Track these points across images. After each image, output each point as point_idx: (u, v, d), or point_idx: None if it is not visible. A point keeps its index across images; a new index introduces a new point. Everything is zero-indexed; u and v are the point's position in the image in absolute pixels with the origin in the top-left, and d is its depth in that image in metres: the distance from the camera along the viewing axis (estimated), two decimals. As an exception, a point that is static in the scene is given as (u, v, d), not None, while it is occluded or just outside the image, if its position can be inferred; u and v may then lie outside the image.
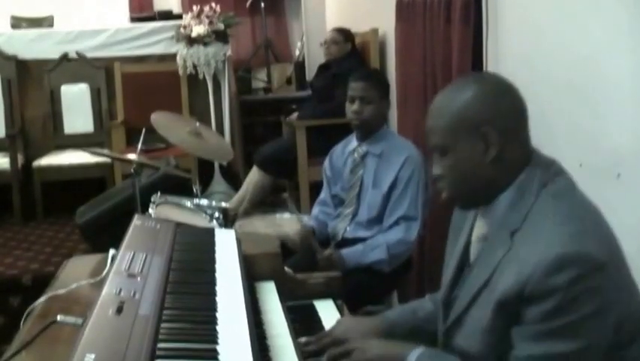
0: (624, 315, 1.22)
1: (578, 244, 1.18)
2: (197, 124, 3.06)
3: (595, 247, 1.18)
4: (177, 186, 3.14)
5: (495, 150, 1.26)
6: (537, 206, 1.24)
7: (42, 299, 1.48)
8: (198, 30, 4.85)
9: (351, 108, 2.57)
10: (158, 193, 2.82)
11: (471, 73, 1.33)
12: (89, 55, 4.98)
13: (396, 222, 2.51)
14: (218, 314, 1.29)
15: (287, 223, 2.96)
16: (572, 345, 1.17)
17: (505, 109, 1.27)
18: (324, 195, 2.81)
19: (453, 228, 1.51)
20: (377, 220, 2.57)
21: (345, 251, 2.48)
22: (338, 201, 2.73)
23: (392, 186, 2.52)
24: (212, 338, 1.18)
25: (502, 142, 1.25)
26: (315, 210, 2.81)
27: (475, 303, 1.30)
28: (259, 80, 6.41)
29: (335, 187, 2.75)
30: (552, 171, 1.29)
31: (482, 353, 1.28)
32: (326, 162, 2.82)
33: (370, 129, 2.60)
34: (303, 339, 1.49)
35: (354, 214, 2.62)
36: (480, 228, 1.36)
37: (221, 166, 4.96)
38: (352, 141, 2.70)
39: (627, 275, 1.27)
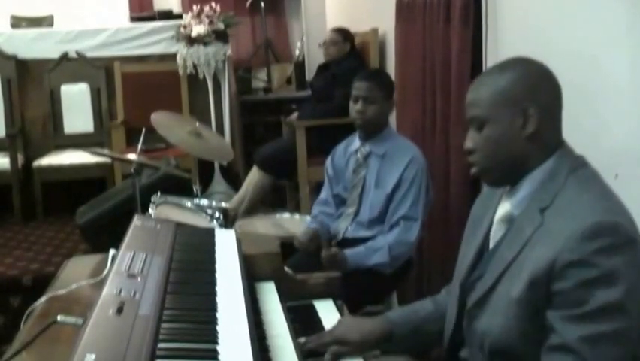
0: None
1: (612, 215, 1.21)
2: (197, 124, 3.06)
3: (628, 223, 1.22)
4: (177, 186, 3.15)
5: (533, 126, 1.30)
6: (567, 186, 1.28)
7: (42, 299, 1.48)
8: (198, 30, 4.85)
9: (354, 108, 2.57)
10: (159, 193, 2.83)
11: (516, 56, 1.40)
12: (89, 54, 4.98)
13: (397, 223, 2.51)
14: (218, 314, 1.29)
15: (287, 223, 2.97)
16: (618, 323, 1.17)
17: (547, 91, 1.33)
18: (324, 194, 2.81)
19: (472, 218, 1.53)
20: (378, 220, 2.57)
21: (349, 252, 2.47)
22: (339, 201, 2.73)
23: (396, 187, 2.52)
24: (213, 338, 1.19)
25: (540, 120, 1.30)
26: (315, 210, 2.81)
27: (502, 279, 1.31)
28: (259, 80, 6.41)
29: (337, 187, 2.75)
30: (580, 161, 1.34)
31: (506, 327, 1.28)
32: (328, 162, 2.82)
33: (373, 129, 2.60)
34: (302, 339, 1.49)
35: (356, 214, 2.63)
36: (504, 208, 1.38)
37: (221, 166, 4.96)
38: (355, 141, 2.69)
39: None
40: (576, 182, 1.28)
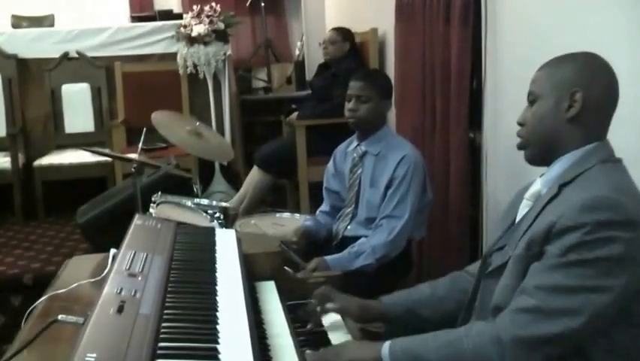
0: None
1: (618, 194, 1.26)
2: (198, 124, 3.07)
3: (633, 207, 1.26)
4: (178, 186, 3.15)
5: (575, 110, 1.38)
6: (592, 170, 1.35)
7: (43, 299, 1.49)
8: (198, 29, 4.85)
9: (347, 106, 2.59)
10: (159, 193, 2.83)
11: (588, 51, 1.48)
12: (90, 54, 4.98)
13: (380, 223, 2.50)
14: (218, 314, 1.29)
15: (287, 223, 2.97)
16: (582, 282, 1.22)
17: (601, 85, 1.40)
18: (325, 206, 2.80)
19: (508, 206, 1.59)
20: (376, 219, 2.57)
21: (331, 259, 2.44)
22: (341, 200, 2.74)
23: (388, 186, 2.52)
24: (213, 337, 1.19)
25: (584, 108, 1.37)
26: (318, 216, 2.83)
27: (517, 248, 1.37)
28: (259, 79, 6.42)
29: (339, 185, 2.74)
30: (615, 158, 1.39)
31: (505, 286, 1.35)
32: (330, 163, 2.82)
33: (366, 128, 2.60)
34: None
35: (354, 214, 2.63)
36: (535, 187, 1.46)
37: (221, 166, 4.96)
38: (354, 141, 2.71)
39: None
40: (602, 169, 1.34)
